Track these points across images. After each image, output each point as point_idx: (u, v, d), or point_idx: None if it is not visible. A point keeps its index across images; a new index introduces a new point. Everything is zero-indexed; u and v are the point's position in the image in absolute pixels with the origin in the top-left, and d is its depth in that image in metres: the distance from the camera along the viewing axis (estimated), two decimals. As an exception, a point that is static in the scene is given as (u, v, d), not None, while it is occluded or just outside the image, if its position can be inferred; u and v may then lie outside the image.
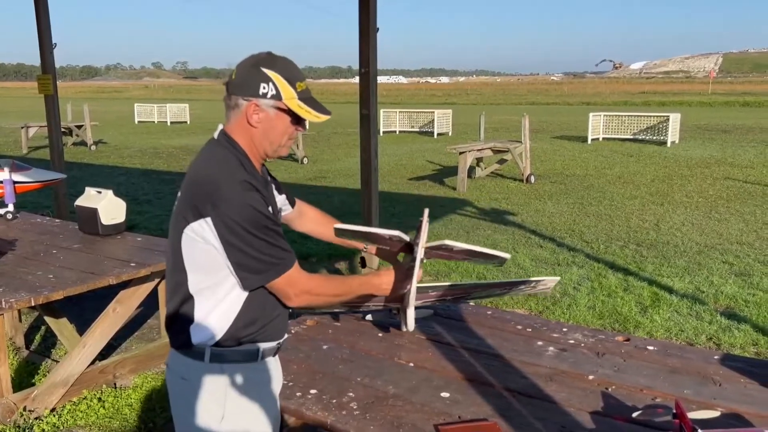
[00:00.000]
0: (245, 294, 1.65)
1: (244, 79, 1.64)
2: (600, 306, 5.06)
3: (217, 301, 1.64)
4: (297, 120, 1.69)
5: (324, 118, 1.69)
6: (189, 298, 1.65)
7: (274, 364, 1.82)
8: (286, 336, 1.85)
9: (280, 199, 2.02)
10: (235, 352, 1.68)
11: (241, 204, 1.57)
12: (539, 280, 2.53)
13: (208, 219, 1.56)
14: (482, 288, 2.67)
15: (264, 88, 1.63)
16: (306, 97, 1.67)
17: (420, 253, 2.09)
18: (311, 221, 2.22)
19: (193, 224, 1.58)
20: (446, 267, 6.16)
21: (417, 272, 2.05)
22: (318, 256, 6.60)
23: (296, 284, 1.68)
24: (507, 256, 2.20)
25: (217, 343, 1.65)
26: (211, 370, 1.66)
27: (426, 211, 2.22)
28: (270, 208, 1.65)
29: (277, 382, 1.84)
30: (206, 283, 1.63)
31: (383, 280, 1.97)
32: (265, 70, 1.63)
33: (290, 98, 1.64)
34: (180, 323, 1.67)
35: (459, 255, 2.33)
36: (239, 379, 1.68)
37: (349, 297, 1.91)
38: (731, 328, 4.59)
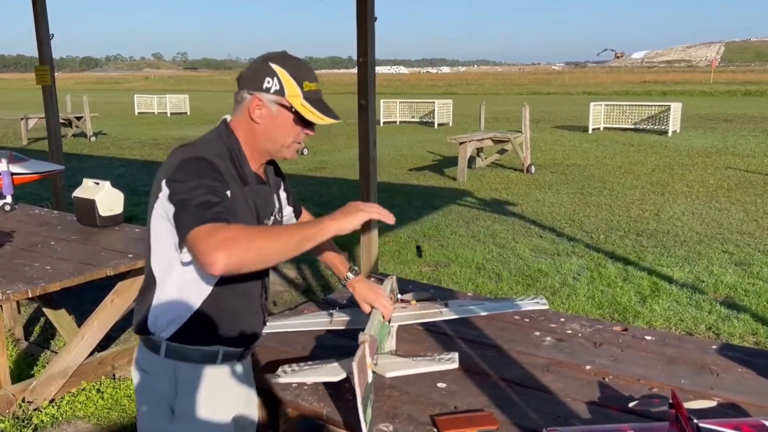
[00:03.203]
0: (202, 288, 1.58)
1: (252, 73, 1.61)
2: (599, 296, 5.05)
3: (171, 289, 1.59)
4: (302, 121, 1.62)
5: (329, 121, 1.60)
6: (151, 282, 1.62)
7: (237, 368, 1.73)
8: (257, 343, 1.78)
9: (287, 211, 1.96)
10: (192, 351, 1.62)
11: (190, 166, 1.50)
12: (526, 303, 2.44)
13: (163, 182, 1.50)
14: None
15: (268, 82, 1.58)
16: (313, 98, 1.61)
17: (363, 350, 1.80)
18: None
19: (157, 201, 1.53)
20: (446, 258, 6.16)
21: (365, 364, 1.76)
22: (317, 246, 6.59)
23: (217, 233, 1.35)
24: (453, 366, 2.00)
25: (172, 337, 1.60)
26: (165, 365, 1.62)
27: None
28: (228, 192, 1.52)
29: (238, 388, 1.74)
30: (165, 267, 1.59)
31: (336, 215, 1.51)
32: (273, 65, 1.59)
33: (294, 95, 1.58)
34: (140, 310, 1.65)
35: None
36: (193, 378, 1.62)
37: (287, 239, 1.42)
38: (731, 318, 4.59)
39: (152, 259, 1.61)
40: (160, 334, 1.61)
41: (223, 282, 1.59)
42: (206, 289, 1.59)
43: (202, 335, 1.62)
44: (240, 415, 1.75)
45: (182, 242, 1.43)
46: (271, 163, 1.78)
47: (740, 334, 4.34)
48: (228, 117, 1.69)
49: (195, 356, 1.62)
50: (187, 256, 1.51)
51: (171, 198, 1.48)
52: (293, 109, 1.59)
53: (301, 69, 1.61)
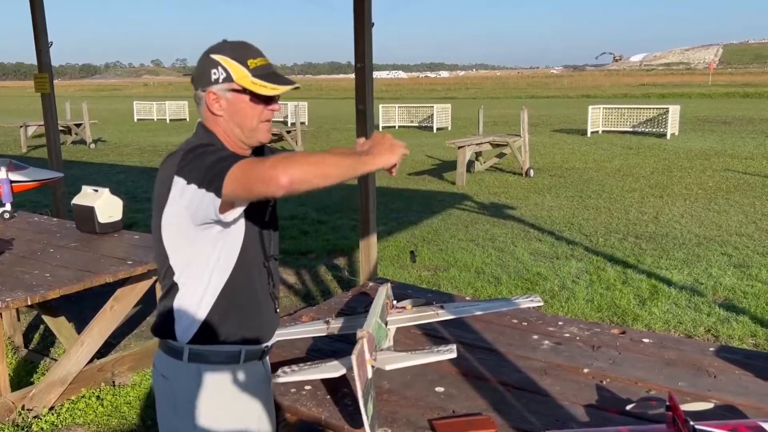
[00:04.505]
0: (221, 284, 1.61)
1: (199, 71, 1.62)
2: (598, 299, 5.06)
3: (193, 290, 1.60)
4: (260, 99, 1.60)
5: (283, 89, 1.59)
6: (169, 288, 1.63)
7: (259, 368, 1.75)
8: (274, 340, 1.80)
9: None
10: (214, 352, 1.63)
11: (197, 151, 1.52)
12: (521, 301, 2.47)
13: (175, 177, 1.50)
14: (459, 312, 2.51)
15: (215, 74, 1.59)
16: (262, 73, 1.59)
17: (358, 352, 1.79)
18: None
19: (167, 205, 1.53)
20: (445, 262, 6.16)
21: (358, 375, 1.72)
22: (317, 251, 6.60)
23: (266, 160, 1.42)
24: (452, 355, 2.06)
25: (194, 339, 1.62)
26: (188, 369, 1.63)
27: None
28: None
29: (261, 388, 1.76)
30: (181, 270, 1.60)
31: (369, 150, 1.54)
32: (214, 56, 1.60)
33: (242, 77, 1.58)
34: (160, 314, 1.66)
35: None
36: (217, 381, 1.64)
37: (339, 159, 1.46)
38: (730, 320, 4.59)
39: (168, 264, 1.61)
40: (182, 338, 1.63)
41: (233, 274, 1.61)
42: (219, 285, 1.61)
43: (221, 332, 1.63)
44: (264, 416, 1.76)
45: (220, 190, 1.41)
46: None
47: (739, 336, 4.34)
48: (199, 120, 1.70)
49: (218, 358, 1.64)
50: (232, 214, 1.49)
51: (191, 181, 1.47)
52: (246, 90, 1.58)
53: (241, 49, 1.61)
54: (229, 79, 1.58)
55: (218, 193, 1.42)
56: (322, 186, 1.40)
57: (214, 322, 1.62)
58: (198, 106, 1.66)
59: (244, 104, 1.60)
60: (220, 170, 1.42)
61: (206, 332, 1.62)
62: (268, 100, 1.62)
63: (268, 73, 1.60)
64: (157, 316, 1.69)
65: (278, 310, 1.78)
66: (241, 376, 1.67)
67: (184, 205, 1.50)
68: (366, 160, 1.49)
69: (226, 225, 1.55)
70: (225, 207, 1.46)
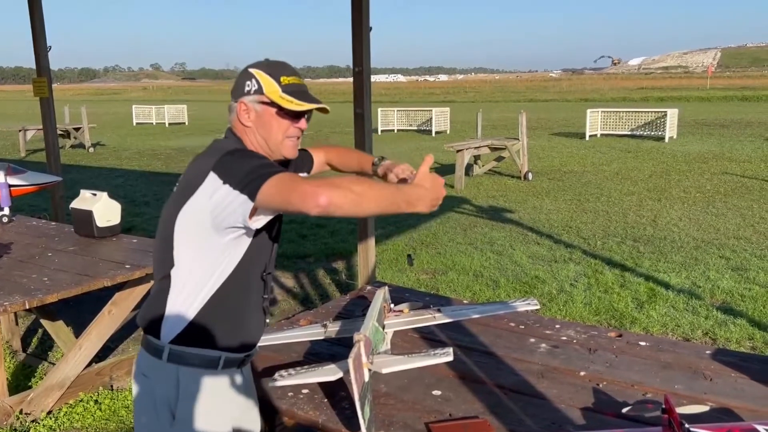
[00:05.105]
0: (214, 289, 1.61)
1: (236, 83, 1.69)
2: (596, 302, 5.06)
3: (188, 290, 1.61)
4: (287, 114, 1.65)
5: (308, 106, 1.64)
6: (165, 282, 1.63)
7: (237, 375, 1.75)
8: (255, 350, 1.80)
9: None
10: (194, 355, 1.63)
11: (238, 154, 1.56)
12: (518, 305, 2.48)
13: (211, 173, 1.51)
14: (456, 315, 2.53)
15: (248, 86, 1.65)
16: (292, 90, 1.64)
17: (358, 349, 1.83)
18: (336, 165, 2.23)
19: (193, 197, 1.54)
20: (443, 265, 6.17)
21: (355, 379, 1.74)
22: (315, 255, 6.61)
23: (313, 179, 1.47)
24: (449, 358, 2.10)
25: (176, 339, 1.62)
26: (167, 369, 1.64)
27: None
28: None
29: (240, 395, 1.76)
30: (182, 267, 1.60)
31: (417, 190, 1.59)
32: (251, 70, 1.67)
33: (272, 91, 1.63)
34: (150, 307, 1.67)
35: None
36: (194, 383, 1.64)
37: (380, 194, 1.48)
38: (727, 323, 4.60)
39: (171, 256, 1.61)
40: (165, 337, 1.63)
41: (229, 282, 1.62)
42: (213, 289, 1.61)
43: (205, 337, 1.63)
44: (240, 423, 1.76)
45: (255, 194, 1.43)
46: None
47: (737, 339, 4.35)
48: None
49: (196, 361, 1.64)
50: (259, 221, 1.51)
51: (227, 180, 1.47)
52: (274, 104, 1.64)
53: (277, 67, 1.68)
54: (259, 91, 1.64)
55: (252, 197, 1.44)
56: (354, 216, 1.46)
57: (200, 325, 1.62)
58: (230, 115, 1.71)
59: (271, 117, 1.65)
60: (260, 175, 1.44)
61: (190, 334, 1.62)
62: (295, 117, 1.67)
63: (297, 91, 1.65)
64: (147, 307, 1.69)
65: (267, 322, 1.79)
66: (218, 381, 1.68)
67: (211, 206, 1.50)
68: (404, 205, 1.52)
69: (249, 233, 1.57)
70: (252, 214, 1.48)
